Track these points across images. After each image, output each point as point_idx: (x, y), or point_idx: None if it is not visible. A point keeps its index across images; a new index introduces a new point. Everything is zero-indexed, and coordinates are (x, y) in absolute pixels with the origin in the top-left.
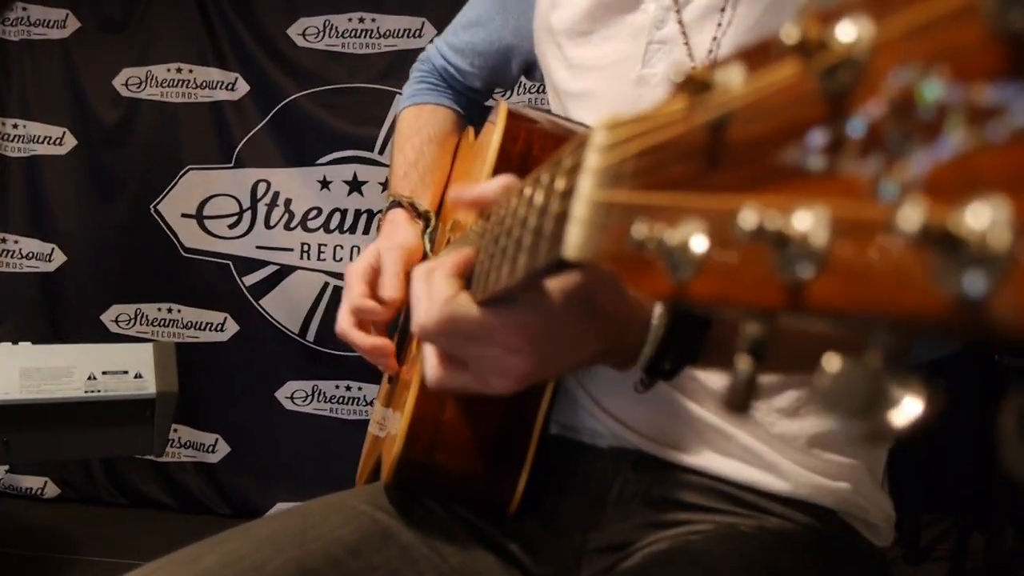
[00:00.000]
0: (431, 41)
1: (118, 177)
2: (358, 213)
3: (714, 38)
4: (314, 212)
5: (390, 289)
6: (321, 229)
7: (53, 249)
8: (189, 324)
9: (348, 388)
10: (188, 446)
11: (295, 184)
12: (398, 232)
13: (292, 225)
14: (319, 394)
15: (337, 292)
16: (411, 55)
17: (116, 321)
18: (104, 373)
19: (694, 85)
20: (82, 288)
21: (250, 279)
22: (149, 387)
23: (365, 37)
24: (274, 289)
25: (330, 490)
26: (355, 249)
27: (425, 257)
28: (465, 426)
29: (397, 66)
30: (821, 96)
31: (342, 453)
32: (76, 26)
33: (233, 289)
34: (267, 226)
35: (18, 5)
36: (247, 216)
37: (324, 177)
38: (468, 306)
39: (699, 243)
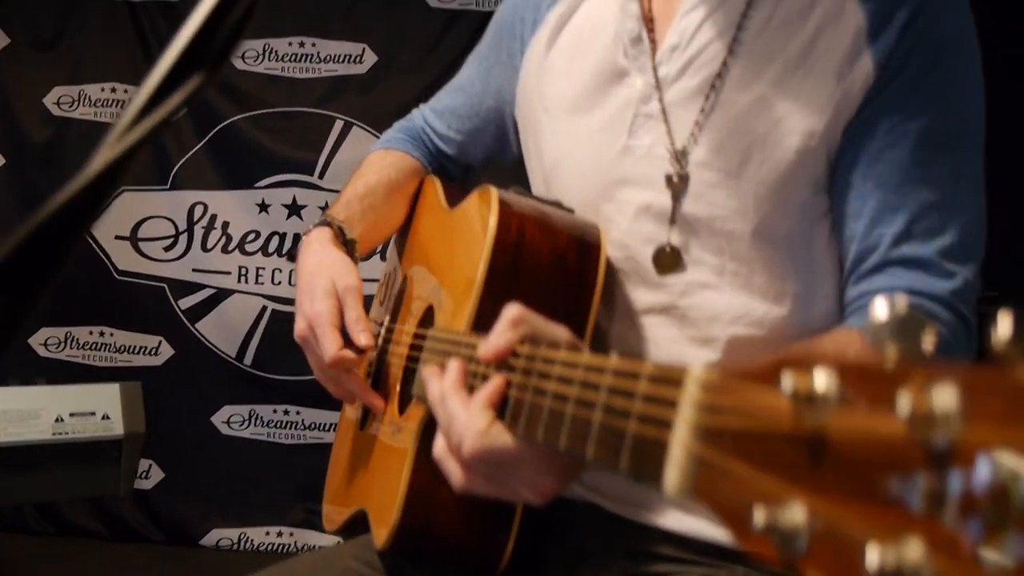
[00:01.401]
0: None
1: (48, 197)
2: (297, 237)
3: (696, 122)
4: (252, 235)
5: (365, 337)
6: (259, 252)
7: None
8: (122, 348)
9: (286, 412)
10: None
11: (233, 207)
12: (336, 257)
13: (230, 248)
14: (256, 418)
15: (276, 316)
16: (351, 80)
17: (45, 345)
18: (72, 415)
19: (798, 394)
20: None
21: (186, 302)
22: (117, 428)
23: (305, 61)
24: (211, 312)
25: (267, 515)
26: (292, 273)
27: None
28: (460, 495)
29: (337, 91)
30: (920, 448)
31: (279, 478)
32: (5, 42)
33: (168, 312)
34: (204, 249)
35: None
36: (183, 239)
37: (263, 200)
38: (504, 438)
39: (810, 531)
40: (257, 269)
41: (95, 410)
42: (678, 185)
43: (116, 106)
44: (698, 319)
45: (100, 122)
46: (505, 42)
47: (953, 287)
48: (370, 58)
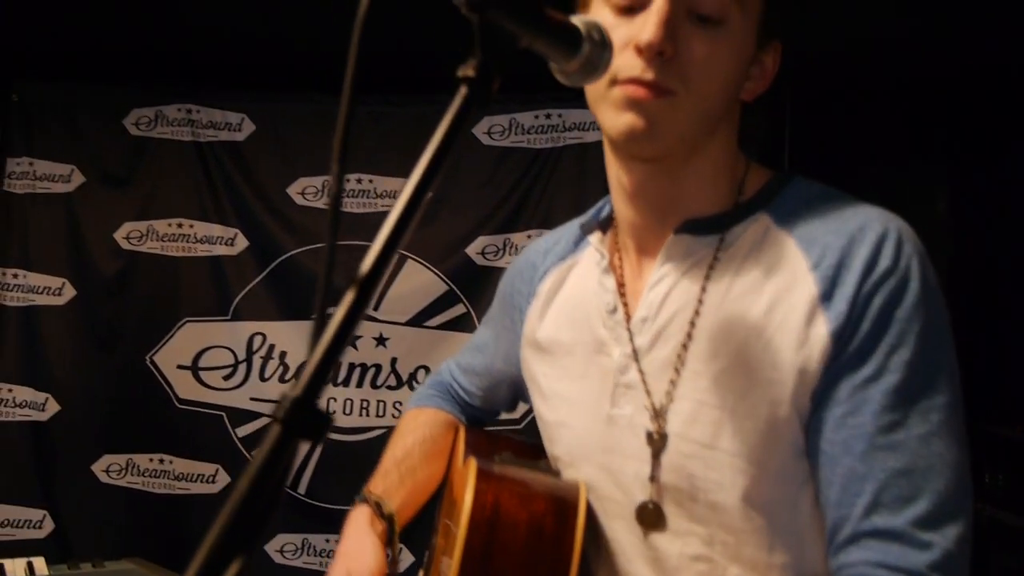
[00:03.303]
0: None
1: (115, 328)
2: (351, 367)
3: (671, 380)
4: None
5: None
6: None
7: (47, 398)
8: (180, 476)
9: (339, 542)
10: None
11: (290, 337)
12: (363, 543)
13: (286, 377)
14: (309, 548)
15: (329, 445)
16: None
17: (107, 471)
18: None
19: None
20: (74, 438)
21: (243, 431)
22: None
23: (363, 197)
24: None
25: None
26: (347, 402)
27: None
28: None
29: None
30: None
31: None
32: (81, 181)
33: (226, 441)
34: (262, 378)
35: (24, 159)
36: (242, 368)
37: None
38: None
39: None
40: None
41: None
42: (658, 443)
43: (182, 240)
44: None
45: (166, 255)
46: (507, 311)
47: (930, 560)
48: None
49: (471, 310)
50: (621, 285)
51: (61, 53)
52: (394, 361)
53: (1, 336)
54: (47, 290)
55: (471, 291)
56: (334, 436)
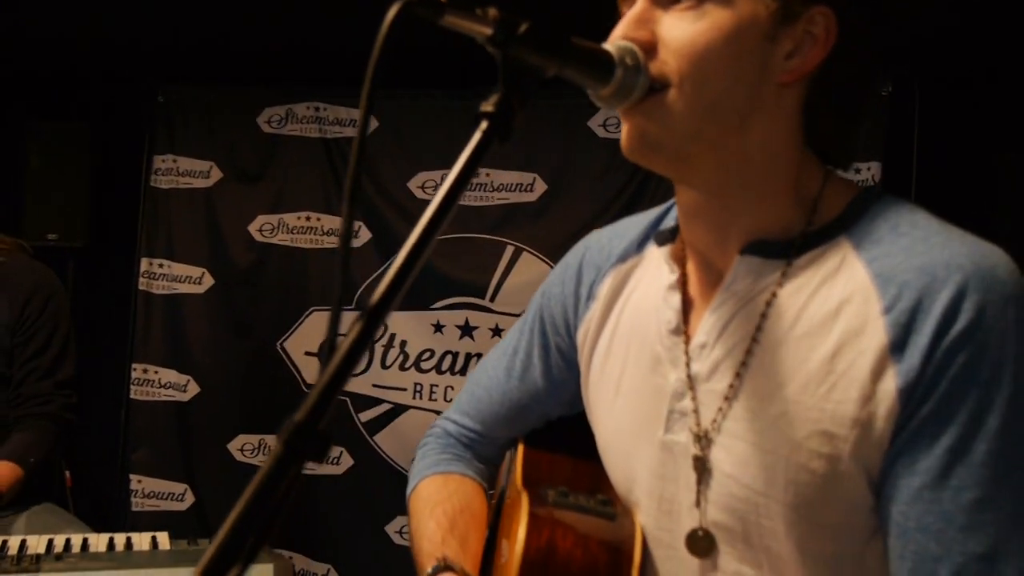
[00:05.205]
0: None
1: (249, 315)
2: (469, 356)
3: (720, 409)
4: (427, 354)
5: None
6: (433, 370)
7: (188, 380)
8: None
9: None
10: (302, 575)
11: (410, 327)
12: None
13: (406, 366)
14: None
15: None
16: (522, 208)
17: (241, 450)
18: None
19: None
20: (212, 417)
21: (365, 416)
22: None
23: (480, 190)
24: (388, 426)
25: None
26: None
27: None
28: None
29: (509, 218)
30: None
31: None
32: (218, 176)
33: (349, 425)
34: (383, 366)
35: (169, 157)
36: (365, 356)
37: (438, 321)
38: None
39: None
40: (431, 386)
41: None
42: (700, 468)
43: (310, 232)
44: None
45: (296, 247)
46: (551, 336)
47: None
48: (540, 187)
49: None
50: (687, 304)
51: (201, 57)
52: None
53: (148, 322)
54: (188, 279)
55: None
56: None
